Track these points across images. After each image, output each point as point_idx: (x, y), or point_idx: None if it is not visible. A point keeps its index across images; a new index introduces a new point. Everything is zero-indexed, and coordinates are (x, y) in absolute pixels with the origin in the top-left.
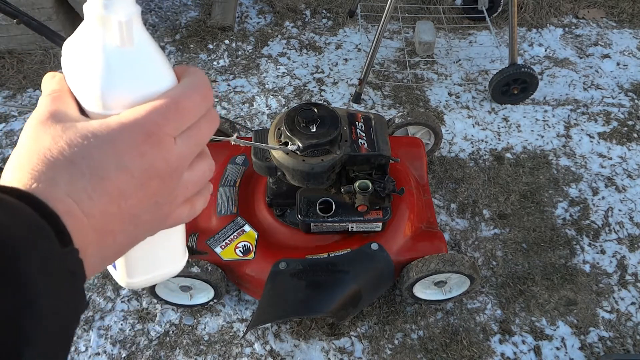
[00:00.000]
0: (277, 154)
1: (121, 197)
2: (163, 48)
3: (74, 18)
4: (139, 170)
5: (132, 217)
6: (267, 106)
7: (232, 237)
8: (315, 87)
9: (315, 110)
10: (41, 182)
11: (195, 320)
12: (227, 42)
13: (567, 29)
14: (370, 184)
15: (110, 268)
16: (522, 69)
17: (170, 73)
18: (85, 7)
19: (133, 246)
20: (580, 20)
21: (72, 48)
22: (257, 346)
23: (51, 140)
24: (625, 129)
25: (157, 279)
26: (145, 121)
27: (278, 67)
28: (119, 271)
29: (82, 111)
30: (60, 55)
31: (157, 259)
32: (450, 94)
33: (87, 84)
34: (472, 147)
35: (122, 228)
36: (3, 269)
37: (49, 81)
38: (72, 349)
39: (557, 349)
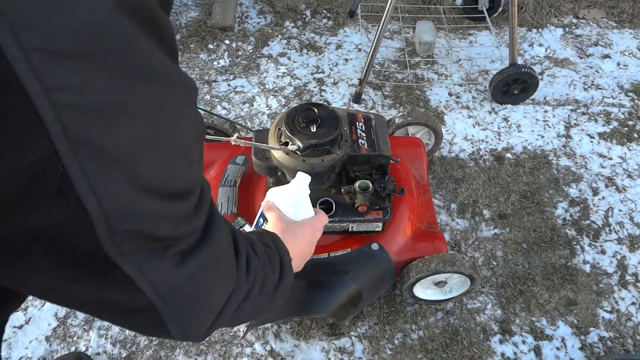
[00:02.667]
0: (278, 154)
1: (302, 247)
2: None
3: None
4: (308, 240)
5: (301, 257)
6: (267, 106)
7: None
8: (315, 87)
9: (316, 110)
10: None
11: None
12: (227, 42)
13: (567, 29)
14: (370, 184)
15: None
16: (523, 69)
17: (313, 209)
18: (296, 181)
19: None
20: (581, 21)
21: (280, 192)
22: (257, 346)
23: (278, 225)
24: (626, 129)
25: None
26: (312, 224)
27: (278, 67)
28: None
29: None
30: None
31: None
32: (450, 94)
33: (289, 207)
34: (473, 147)
35: (296, 262)
36: (280, 260)
37: (267, 204)
38: (72, 348)
39: (558, 349)
